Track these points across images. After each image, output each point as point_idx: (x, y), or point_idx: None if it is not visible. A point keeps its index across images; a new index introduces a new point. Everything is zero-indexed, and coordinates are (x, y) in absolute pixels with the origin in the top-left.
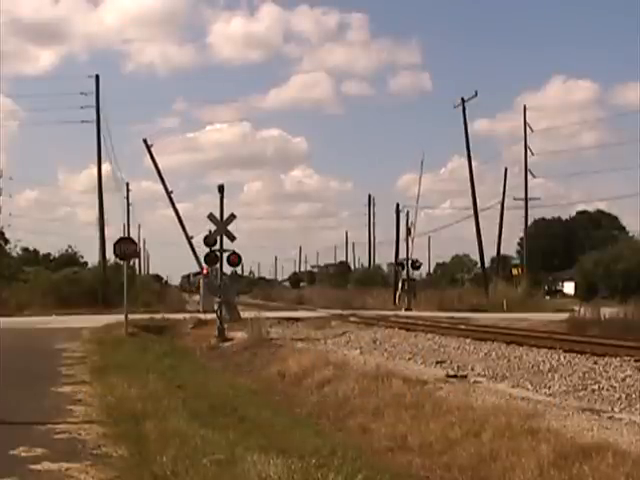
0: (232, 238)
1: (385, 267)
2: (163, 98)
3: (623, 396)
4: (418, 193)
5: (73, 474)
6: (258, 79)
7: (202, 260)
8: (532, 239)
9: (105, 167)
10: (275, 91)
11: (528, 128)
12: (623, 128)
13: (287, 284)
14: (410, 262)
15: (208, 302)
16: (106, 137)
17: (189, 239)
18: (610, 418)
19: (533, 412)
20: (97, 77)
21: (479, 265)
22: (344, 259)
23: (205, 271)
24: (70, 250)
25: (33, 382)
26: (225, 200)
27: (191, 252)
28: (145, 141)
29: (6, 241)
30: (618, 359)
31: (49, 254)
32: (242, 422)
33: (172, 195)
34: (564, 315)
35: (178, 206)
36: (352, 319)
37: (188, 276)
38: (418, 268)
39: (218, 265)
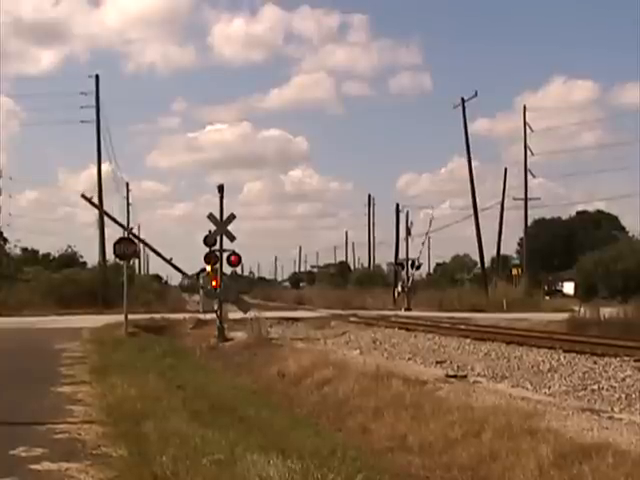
0: (232, 238)
1: (385, 267)
2: (163, 98)
3: (623, 396)
4: (430, 224)
5: (73, 474)
6: (259, 79)
7: (186, 271)
8: (532, 239)
9: (105, 167)
10: (276, 91)
11: (528, 128)
12: (623, 128)
13: (287, 284)
14: (410, 262)
15: (208, 302)
16: (106, 137)
17: (169, 261)
18: (610, 418)
19: (533, 412)
20: (97, 77)
21: (479, 265)
22: (344, 259)
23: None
24: (70, 250)
25: (33, 382)
26: (225, 200)
27: (176, 270)
28: (84, 195)
29: (5, 240)
30: (618, 359)
31: (49, 254)
32: (242, 422)
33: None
34: (564, 315)
35: (179, 206)
36: (352, 319)
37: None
38: (418, 268)
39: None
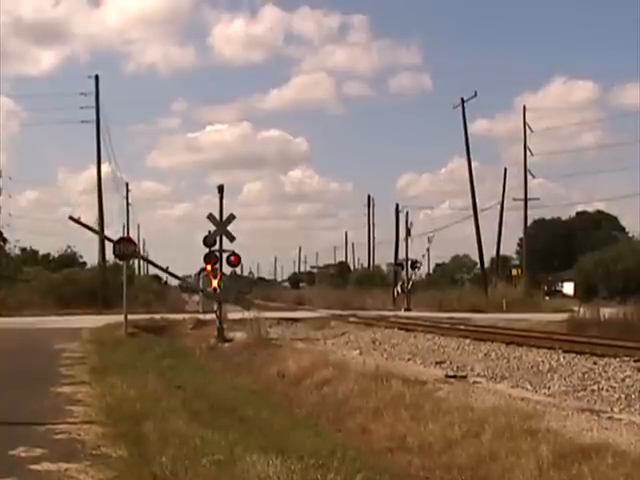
0: (232, 238)
1: (385, 267)
2: (163, 98)
3: (622, 396)
4: (430, 241)
5: (72, 474)
6: (259, 80)
7: (185, 271)
8: (532, 239)
9: (105, 167)
10: (276, 92)
11: (528, 128)
12: (623, 128)
13: (287, 284)
14: (410, 262)
15: (208, 302)
16: (106, 137)
17: (165, 270)
18: (609, 418)
19: (532, 412)
20: (97, 77)
21: (479, 265)
22: (344, 259)
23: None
24: (69, 250)
25: (33, 382)
26: (225, 200)
27: (173, 277)
28: (71, 217)
29: (5, 241)
30: (617, 359)
31: (49, 254)
32: (241, 422)
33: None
34: (564, 315)
35: (179, 206)
36: (351, 319)
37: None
38: (418, 269)
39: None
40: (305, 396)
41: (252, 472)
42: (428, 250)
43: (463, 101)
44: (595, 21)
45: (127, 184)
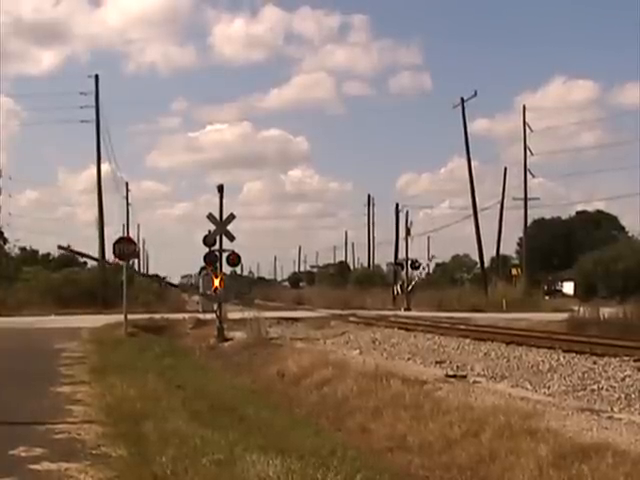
0: (231, 238)
1: (384, 267)
2: (164, 98)
3: (622, 396)
4: (431, 258)
5: (72, 474)
6: (259, 79)
7: (185, 270)
8: (532, 239)
9: (105, 167)
10: (276, 91)
11: (527, 128)
12: (623, 128)
13: (287, 284)
14: (410, 262)
15: (207, 302)
16: (106, 137)
17: (163, 280)
18: (609, 418)
19: (532, 412)
20: (96, 77)
21: (479, 265)
22: (344, 259)
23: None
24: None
25: (32, 382)
26: (225, 200)
27: (173, 287)
28: (61, 246)
29: (5, 241)
30: (617, 359)
31: (48, 254)
32: (241, 422)
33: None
34: (563, 315)
35: (179, 206)
36: (351, 319)
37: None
38: (417, 268)
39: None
40: (305, 396)
41: (252, 471)
42: (428, 265)
43: (463, 101)
44: (595, 21)
45: (127, 184)
